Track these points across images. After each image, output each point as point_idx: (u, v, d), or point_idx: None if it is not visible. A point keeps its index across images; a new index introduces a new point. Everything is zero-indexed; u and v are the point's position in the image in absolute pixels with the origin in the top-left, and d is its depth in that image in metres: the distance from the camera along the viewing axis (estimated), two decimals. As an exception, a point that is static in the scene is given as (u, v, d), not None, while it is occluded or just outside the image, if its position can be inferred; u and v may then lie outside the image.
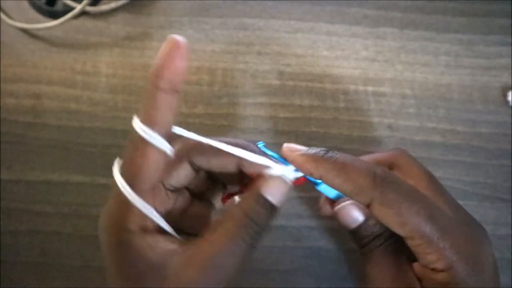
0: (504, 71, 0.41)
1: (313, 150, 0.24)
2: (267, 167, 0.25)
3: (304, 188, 0.32)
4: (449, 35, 0.42)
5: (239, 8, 0.43)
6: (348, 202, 0.26)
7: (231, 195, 0.28)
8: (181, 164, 0.26)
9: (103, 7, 0.42)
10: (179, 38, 0.23)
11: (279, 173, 0.25)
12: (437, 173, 0.30)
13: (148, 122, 0.23)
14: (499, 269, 0.25)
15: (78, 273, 0.36)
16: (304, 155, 0.24)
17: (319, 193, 0.38)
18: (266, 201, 0.24)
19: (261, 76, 0.41)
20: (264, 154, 0.26)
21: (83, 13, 0.42)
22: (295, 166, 0.25)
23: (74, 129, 0.39)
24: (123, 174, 0.24)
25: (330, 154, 0.24)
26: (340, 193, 0.27)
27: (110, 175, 0.38)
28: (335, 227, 0.37)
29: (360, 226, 0.25)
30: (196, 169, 0.27)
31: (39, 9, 0.43)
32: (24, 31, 0.42)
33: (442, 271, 0.23)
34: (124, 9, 0.43)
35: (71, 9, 0.41)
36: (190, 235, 0.26)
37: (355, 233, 0.26)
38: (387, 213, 0.23)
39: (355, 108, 0.40)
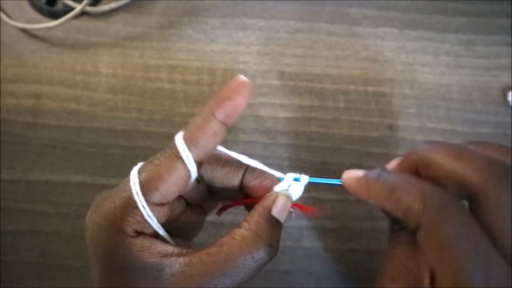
0: (504, 71, 0.41)
1: (369, 174, 0.24)
2: (278, 179, 0.25)
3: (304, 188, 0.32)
4: (449, 35, 0.42)
5: (239, 8, 0.43)
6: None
7: (226, 207, 0.28)
8: None
9: (103, 7, 0.42)
10: (246, 80, 0.24)
11: (286, 189, 0.25)
12: (437, 173, 0.30)
13: (190, 142, 0.23)
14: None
15: (78, 273, 0.36)
16: (358, 180, 0.24)
17: (319, 194, 0.38)
18: (276, 221, 0.24)
19: (261, 76, 0.41)
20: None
21: (83, 13, 0.42)
22: (351, 192, 0.24)
23: (74, 129, 0.39)
24: (141, 178, 0.23)
25: (383, 176, 0.23)
26: None
27: (110, 175, 0.39)
28: (335, 227, 0.37)
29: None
30: (198, 180, 0.26)
31: (39, 9, 0.43)
32: (24, 31, 0.42)
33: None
34: (124, 9, 0.43)
35: (71, 9, 0.41)
36: (178, 238, 0.25)
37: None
38: (430, 244, 0.21)
39: (355, 108, 0.40)
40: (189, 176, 0.23)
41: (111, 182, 0.38)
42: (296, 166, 0.38)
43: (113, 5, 0.42)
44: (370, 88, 0.40)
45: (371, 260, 0.36)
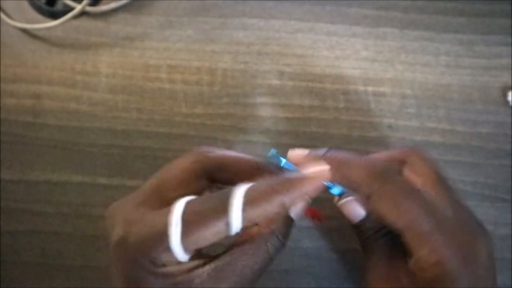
0: (504, 71, 0.41)
1: (314, 152, 0.26)
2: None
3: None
4: (449, 35, 0.42)
5: (239, 8, 0.43)
6: (350, 198, 0.27)
7: None
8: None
9: (103, 7, 0.42)
10: (327, 169, 0.25)
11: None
12: (437, 173, 0.30)
13: (249, 204, 0.22)
14: (499, 269, 0.25)
15: (78, 273, 0.36)
16: (307, 157, 0.26)
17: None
18: (291, 220, 0.26)
19: (261, 76, 0.41)
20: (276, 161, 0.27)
21: (83, 13, 0.42)
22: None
23: (74, 129, 0.39)
24: (184, 218, 0.22)
25: (330, 152, 0.26)
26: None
27: (110, 175, 0.39)
28: (335, 227, 0.37)
29: (363, 221, 0.27)
30: None
31: (39, 9, 0.43)
32: (24, 31, 0.42)
33: (433, 265, 0.23)
34: (124, 9, 0.43)
35: (71, 9, 0.41)
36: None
37: (359, 227, 0.27)
38: (385, 205, 0.24)
39: (355, 108, 0.40)
40: (229, 233, 0.23)
41: (111, 182, 0.38)
42: (296, 166, 0.38)
43: (113, 5, 0.42)
44: (370, 88, 0.40)
45: (371, 260, 0.36)
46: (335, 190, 0.28)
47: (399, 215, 0.24)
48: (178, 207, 0.22)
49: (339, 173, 0.25)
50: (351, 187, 0.25)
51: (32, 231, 0.37)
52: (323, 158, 0.25)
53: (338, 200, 0.28)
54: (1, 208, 0.37)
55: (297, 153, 0.27)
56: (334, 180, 0.25)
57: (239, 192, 0.22)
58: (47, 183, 0.38)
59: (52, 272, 0.36)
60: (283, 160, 0.27)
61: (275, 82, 0.41)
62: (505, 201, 0.38)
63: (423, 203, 0.24)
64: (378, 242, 0.27)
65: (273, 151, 0.27)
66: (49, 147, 0.39)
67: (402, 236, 0.24)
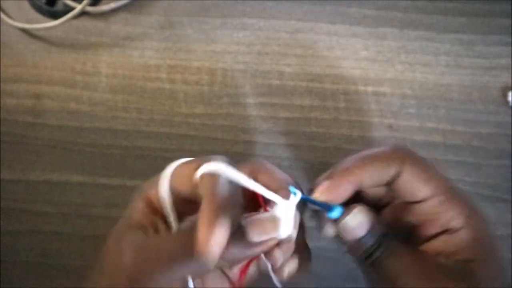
0: (504, 71, 0.41)
1: (325, 175, 0.26)
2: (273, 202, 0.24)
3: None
4: (449, 35, 0.42)
5: (239, 8, 0.43)
6: (354, 210, 0.25)
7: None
8: None
9: (103, 7, 0.42)
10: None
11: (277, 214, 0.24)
12: (437, 173, 0.30)
13: (174, 182, 0.25)
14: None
15: (78, 273, 0.36)
16: (331, 184, 0.25)
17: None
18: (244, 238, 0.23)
19: (261, 76, 0.41)
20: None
21: (83, 13, 0.42)
22: (336, 201, 0.25)
23: (74, 129, 0.39)
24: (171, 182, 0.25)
25: (344, 163, 0.26)
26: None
27: (110, 175, 0.39)
28: (335, 227, 0.37)
29: (368, 233, 0.25)
30: None
31: (39, 9, 0.43)
32: (24, 31, 0.42)
33: (460, 229, 0.24)
34: (124, 9, 0.43)
35: (71, 9, 0.41)
36: None
37: (360, 242, 0.26)
38: (417, 170, 0.25)
39: (355, 108, 0.40)
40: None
41: (111, 182, 0.38)
42: (296, 166, 0.38)
43: (113, 5, 0.42)
44: (370, 88, 0.40)
45: (371, 260, 0.36)
46: (335, 213, 0.25)
47: (429, 179, 0.25)
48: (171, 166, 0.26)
49: (366, 166, 0.25)
50: (380, 177, 0.25)
51: (32, 231, 0.37)
52: (343, 171, 0.25)
53: (338, 222, 0.25)
54: (1, 208, 0.38)
55: (321, 190, 0.25)
56: (366, 175, 0.25)
57: (172, 165, 0.25)
58: (47, 183, 0.38)
59: (52, 272, 0.36)
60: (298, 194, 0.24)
61: (275, 82, 0.41)
62: (505, 201, 0.38)
63: (443, 172, 0.26)
64: (393, 247, 0.25)
65: (292, 189, 0.24)
66: (49, 147, 0.39)
67: (425, 207, 0.25)
